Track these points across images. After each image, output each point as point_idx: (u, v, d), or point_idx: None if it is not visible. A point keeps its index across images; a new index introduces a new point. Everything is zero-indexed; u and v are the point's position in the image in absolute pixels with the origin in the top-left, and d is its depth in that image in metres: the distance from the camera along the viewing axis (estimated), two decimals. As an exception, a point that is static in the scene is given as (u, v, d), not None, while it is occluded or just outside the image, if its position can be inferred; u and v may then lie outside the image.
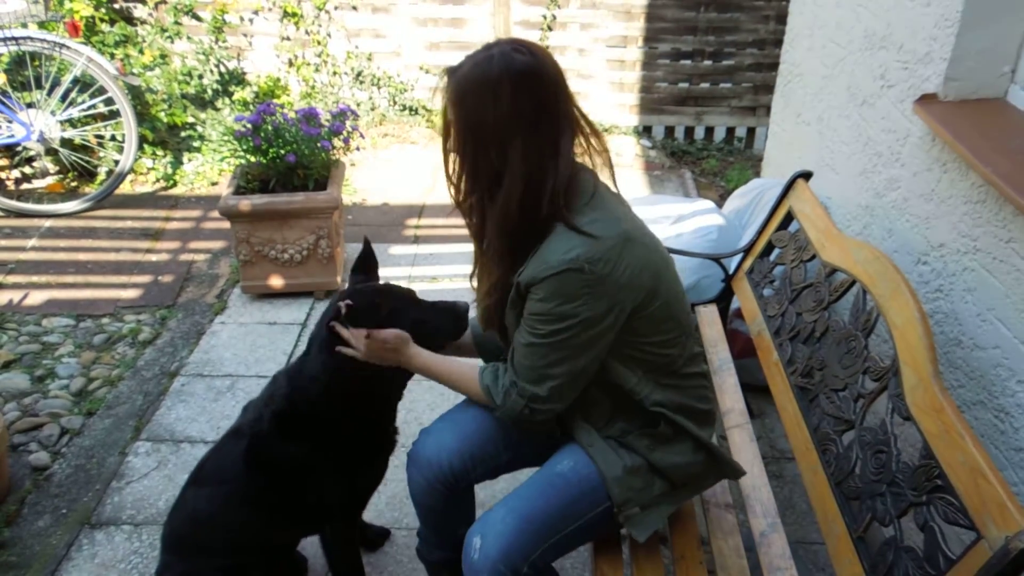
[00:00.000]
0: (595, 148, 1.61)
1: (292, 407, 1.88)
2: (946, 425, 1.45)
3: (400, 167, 5.19)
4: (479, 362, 1.78)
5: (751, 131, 5.56)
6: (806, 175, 2.50)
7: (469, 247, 1.76)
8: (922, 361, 1.59)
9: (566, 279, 1.48)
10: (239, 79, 5.32)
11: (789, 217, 2.49)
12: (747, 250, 2.66)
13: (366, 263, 1.98)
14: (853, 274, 1.99)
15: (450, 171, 1.62)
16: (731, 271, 2.74)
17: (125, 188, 4.70)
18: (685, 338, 1.70)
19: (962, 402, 2.04)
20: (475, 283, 1.78)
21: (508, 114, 1.47)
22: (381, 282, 2.00)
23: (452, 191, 1.63)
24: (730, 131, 5.63)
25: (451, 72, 1.54)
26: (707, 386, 1.81)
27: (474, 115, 1.50)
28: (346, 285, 3.76)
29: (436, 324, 1.89)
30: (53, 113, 4.34)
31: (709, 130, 5.63)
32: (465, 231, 1.70)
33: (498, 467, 1.89)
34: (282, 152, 3.51)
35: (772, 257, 2.54)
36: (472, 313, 1.91)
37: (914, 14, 2.32)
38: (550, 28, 5.38)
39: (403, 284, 2.03)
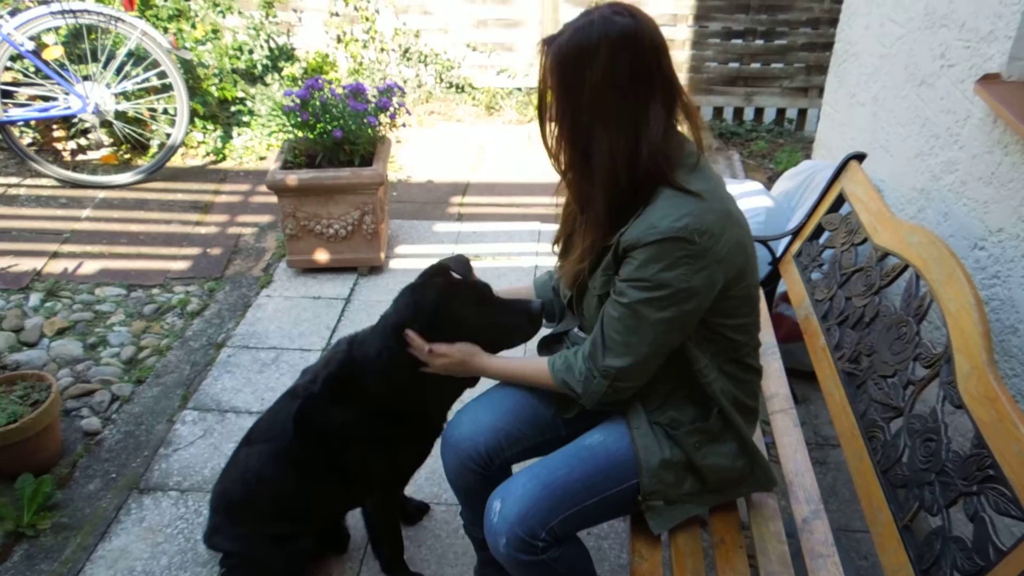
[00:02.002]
0: (691, 118, 1.58)
1: (346, 373, 1.90)
2: (1000, 414, 1.41)
3: (446, 145, 5.19)
4: (544, 359, 1.74)
5: (802, 113, 5.43)
6: (859, 156, 2.44)
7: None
8: (976, 349, 1.54)
9: (671, 247, 1.45)
10: (288, 55, 5.36)
11: (840, 199, 2.43)
12: (796, 233, 2.61)
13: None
14: (906, 258, 1.94)
15: (548, 141, 1.60)
16: (778, 254, 2.69)
17: (176, 161, 4.80)
18: (755, 328, 1.70)
19: (1017, 392, 1.98)
20: (557, 249, 1.79)
21: (603, 78, 1.46)
22: (457, 278, 1.90)
23: (553, 162, 1.62)
24: (780, 112, 5.51)
25: (549, 41, 1.53)
26: (759, 384, 1.79)
27: (573, 81, 1.49)
28: (390, 263, 3.82)
29: (510, 325, 1.86)
30: (108, 86, 4.43)
31: (759, 111, 5.53)
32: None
33: (534, 448, 1.87)
34: (329, 127, 3.54)
35: (822, 240, 2.48)
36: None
37: (979, -10, 2.24)
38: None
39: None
